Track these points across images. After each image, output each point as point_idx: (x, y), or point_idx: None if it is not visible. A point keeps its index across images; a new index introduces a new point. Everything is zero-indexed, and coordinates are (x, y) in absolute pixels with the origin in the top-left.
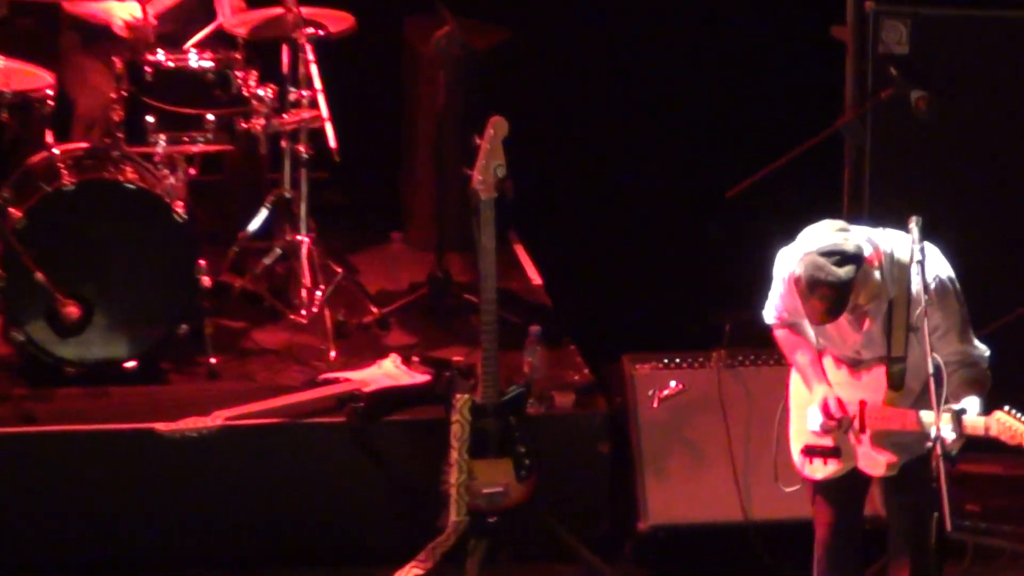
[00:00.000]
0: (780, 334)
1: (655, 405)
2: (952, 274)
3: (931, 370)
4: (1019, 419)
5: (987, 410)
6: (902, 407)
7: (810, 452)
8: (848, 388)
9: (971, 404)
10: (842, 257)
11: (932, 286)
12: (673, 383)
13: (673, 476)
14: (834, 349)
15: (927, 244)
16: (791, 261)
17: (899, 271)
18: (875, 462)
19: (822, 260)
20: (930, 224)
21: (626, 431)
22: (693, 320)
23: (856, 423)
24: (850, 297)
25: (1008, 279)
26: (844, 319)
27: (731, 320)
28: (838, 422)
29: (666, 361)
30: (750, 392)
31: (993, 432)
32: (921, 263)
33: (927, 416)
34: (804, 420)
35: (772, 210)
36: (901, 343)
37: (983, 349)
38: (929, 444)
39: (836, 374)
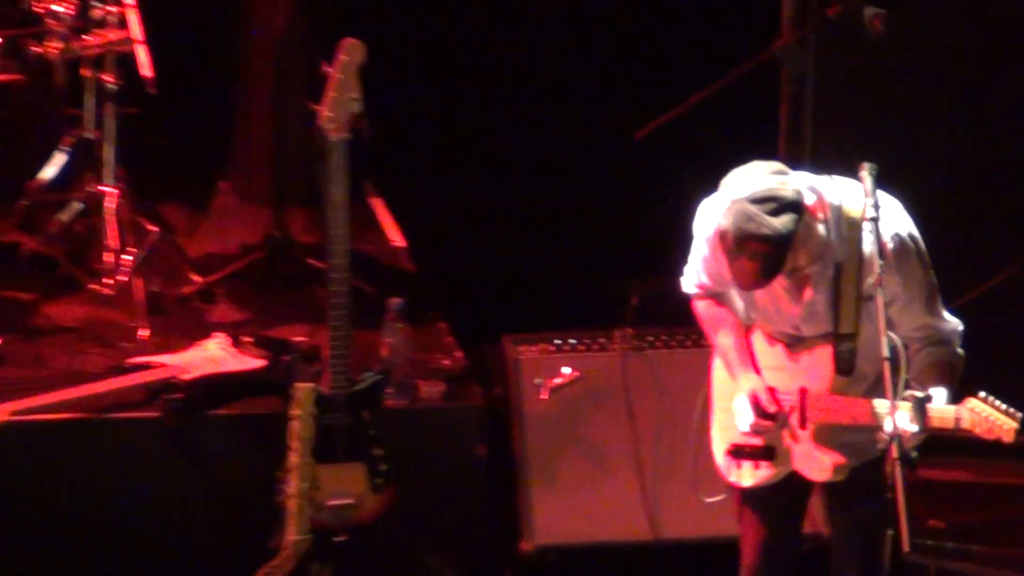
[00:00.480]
0: (701, 307)
1: (544, 397)
2: (915, 232)
3: (887, 352)
4: (997, 407)
5: (958, 398)
6: (852, 396)
7: (737, 454)
8: (785, 374)
9: (938, 392)
10: (778, 205)
11: (890, 246)
12: (566, 370)
13: (565, 485)
14: (768, 324)
15: (883, 195)
16: (715, 213)
17: (848, 228)
18: (818, 465)
19: (753, 208)
20: (886, 172)
21: (508, 429)
22: (591, 292)
23: (794, 417)
24: (788, 255)
25: (982, 240)
26: (780, 286)
27: (638, 291)
28: (772, 418)
29: (557, 343)
30: (661, 381)
31: (965, 424)
32: (875, 219)
33: (882, 406)
34: (729, 415)
35: (690, 155)
36: (851, 317)
37: (954, 323)
38: (884, 443)
39: (770, 356)
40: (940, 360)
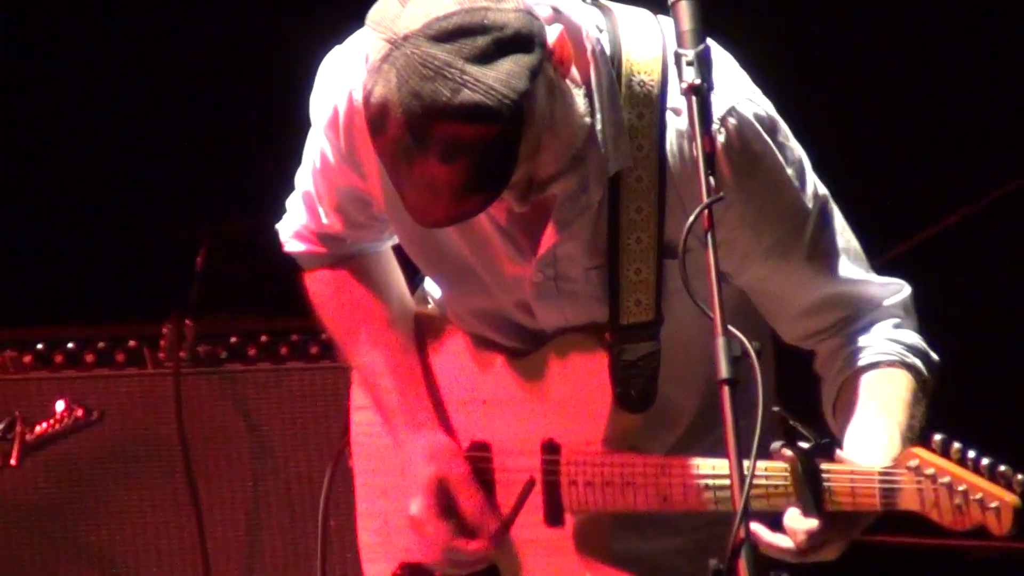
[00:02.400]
0: (322, 287)
1: (13, 462)
2: (773, 114)
3: (724, 367)
4: (971, 466)
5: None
6: (652, 453)
7: None
8: (510, 412)
9: (872, 425)
10: (492, 41)
11: (724, 143)
12: (61, 406)
13: None
14: (471, 305)
15: (712, 46)
16: (354, 72)
17: (636, 103)
18: None
19: (441, 53)
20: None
21: None
22: (108, 258)
23: (536, 501)
24: (519, 147)
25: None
26: (493, 224)
27: (206, 244)
28: (487, 544)
29: (40, 348)
30: (259, 430)
31: (907, 499)
32: (697, 87)
33: (719, 470)
34: (391, 501)
35: None
36: (647, 290)
37: (894, 286)
38: (779, 547)
39: (476, 375)
40: (876, 364)
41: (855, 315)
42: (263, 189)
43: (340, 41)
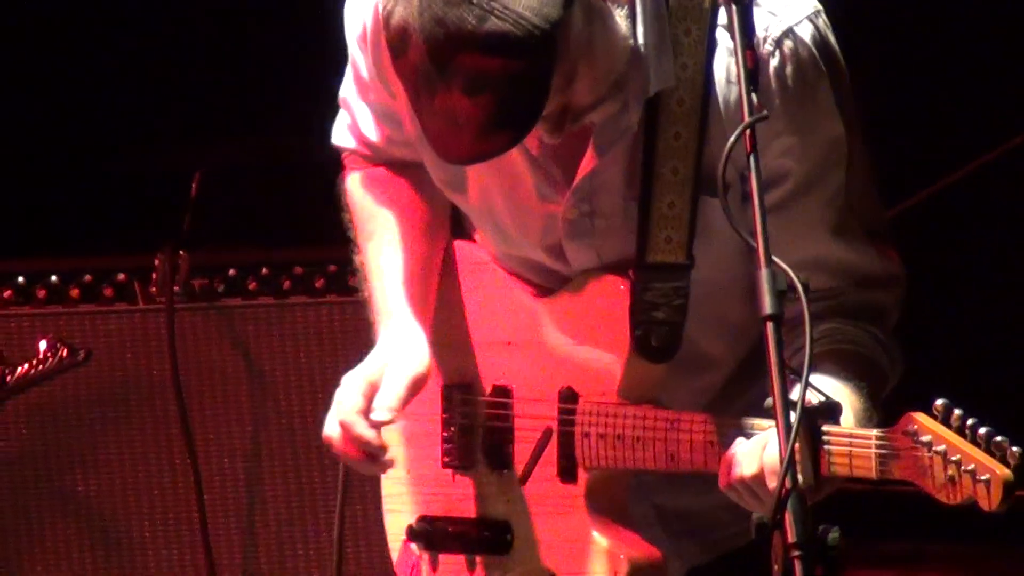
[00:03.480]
0: (360, 181)
1: None
2: (832, 42)
3: (768, 303)
4: (969, 434)
5: (887, 413)
6: (674, 408)
7: (428, 538)
8: (532, 356)
9: (844, 394)
10: None
11: (776, 67)
12: (44, 345)
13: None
14: (496, 239)
15: None
16: None
17: (683, 22)
18: (600, 564)
19: None
20: None
21: None
22: (96, 186)
23: (552, 453)
24: (551, 81)
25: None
26: (525, 155)
27: (201, 170)
28: (496, 457)
29: (20, 282)
30: (260, 369)
31: (901, 468)
32: (745, 3)
33: (740, 430)
34: (417, 449)
35: None
36: (677, 227)
37: (894, 269)
38: (759, 517)
39: (500, 314)
40: (849, 351)
41: (847, 290)
42: (259, 113)
43: None
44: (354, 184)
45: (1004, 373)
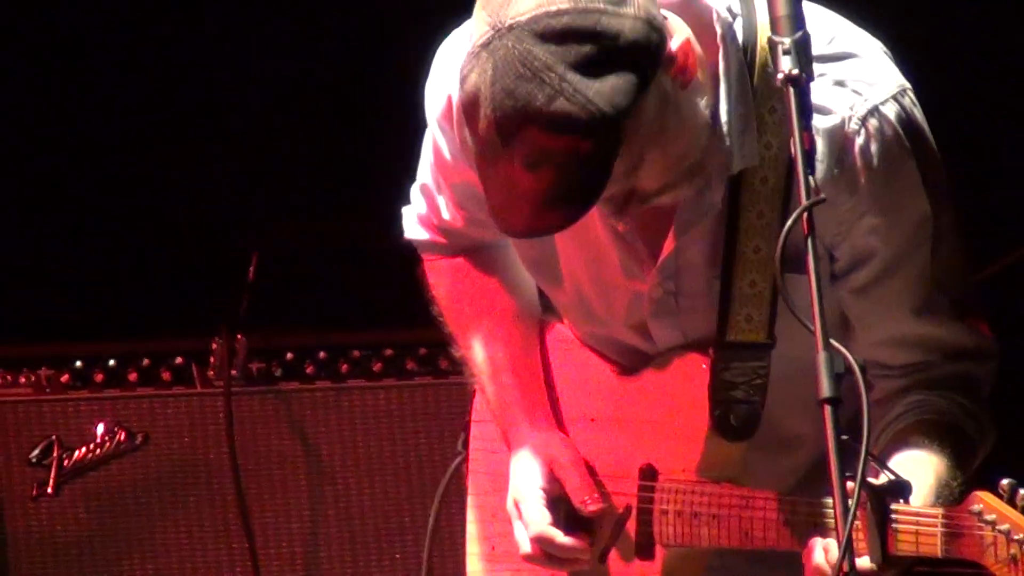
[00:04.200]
0: (443, 278)
1: (50, 490)
2: (923, 125)
3: (828, 389)
4: None
5: (963, 491)
6: (752, 487)
7: None
8: (613, 433)
9: (918, 474)
10: (601, 50)
11: (861, 146)
12: (101, 428)
13: None
14: (579, 319)
15: (855, 34)
16: (457, 61)
17: (769, 101)
18: None
19: (541, 52)
20: None
21: None
22: (153, 268)
23: (631, 529)
24: (612, 166)
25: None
26: (604, 232)
27: (258, 252)
28: (587, 529)
29: (79, 366)
30: (318, 454)
31: (973, 546)
32: (796, 80)
33: (812, 511)
34: (501, 525)
35: None
36: (761, 305)
37: (988, 345)
38: None
39: (585, 392)
40: (935, 421)
41: (935, 363)
42: (317, 193)
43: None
44: (437, 276)
45: None
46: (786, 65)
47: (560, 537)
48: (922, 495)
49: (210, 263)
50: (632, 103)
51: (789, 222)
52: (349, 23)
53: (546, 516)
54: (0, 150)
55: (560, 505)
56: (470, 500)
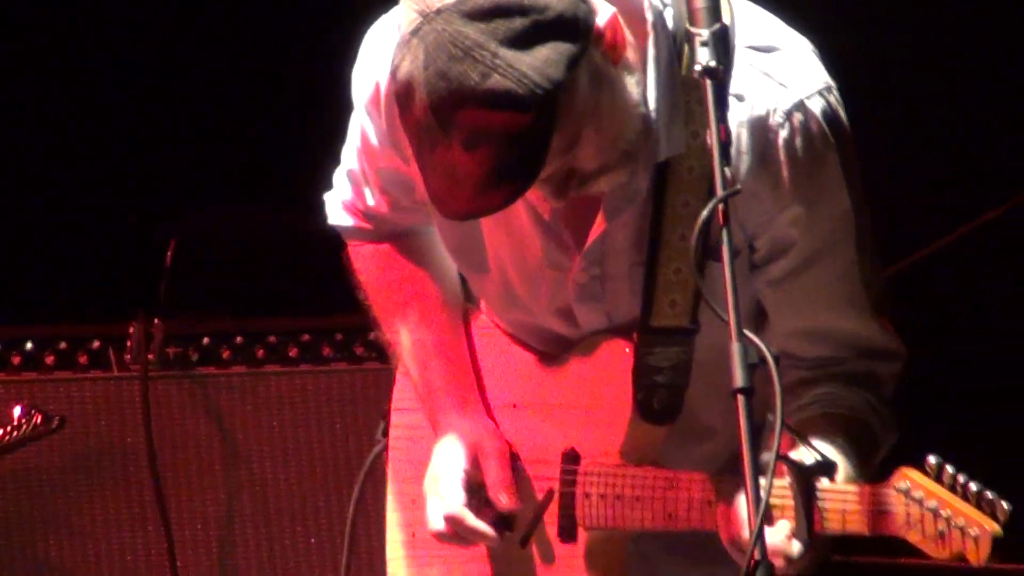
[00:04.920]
0: (368, 264)
1: None
2: (842, 116)
3: (741, 380)
4: (960, 490)
5: (879, 472)
6: (672, 468)
7: None
8: (536, 417)
9: (835, 456)
10: (530, 23)
11: (785, 138)
12: (18, 411)
13: None
14: (503, 305)
15: (774, 25)
16: (388, 47)
17: (696, 91)
18: None
19: (471, 31)
20: None
21: None
22: (70, 253)
23: (553, 513)
24: (551, 141)
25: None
26: (531, 217)
27: (176, 238)
28: (504, 519)
29: None
30: (233, 439)
31: (895, 524)
32: (713, 72)
33: (736, 495)
34: (420, 512)
35: None
36: (685, 291)
37: (894, 345)
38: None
39: (508, 377)
40: (842, 416)
41: (845, 359)
42: (236, 179)
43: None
44: (363, 263)
45: (996, 430)
46: (703, 57)
47: (471, 519)
48: (844, 472)
49: (128, 248)
50: (565, 75)
51: (704, 212)
52: (274, 5)
53: (461, 496)
54: None
55: (478, 491)
56: (390, 487)
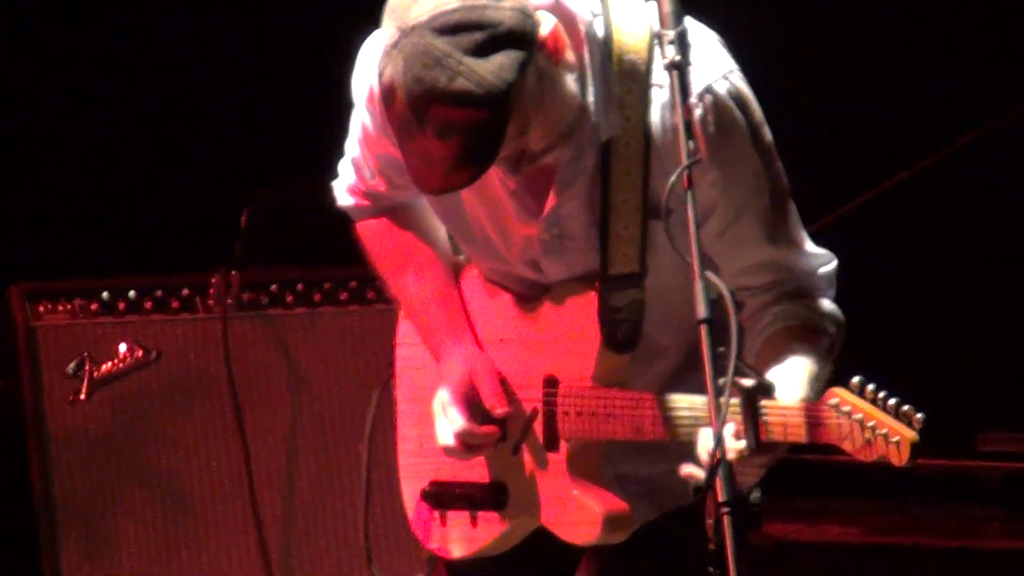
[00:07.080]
0: (372, 233)
1: (83, 397)
2: (747, 91)
3: (702, 307)
4: (881, 404)
5: (823, 387)
6: (635, 389)
7: (439, 498)
8: (517, 350)
9: (788, 381)
10: (486, 36)
11: (701, 115)
12: (123, 347)
13: (115, 535)
14: (484, 259)
15: (693, 24)
16: (377, 56)
17: (625, 79)
18: (578, 516)
19: (441, 44)
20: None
21: (21, 448)
22: (156, 215)
23: (538, 428)
24: (507, 128)
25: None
26: (502, 187)
27: (253, 206)
28: (496, 429)
29: (105, 297)
30: (298, 365)
31: (829, 435)
32: (678, 64)
33: (692, 408)
34: (427, 426)
35: None
36: (631, 245)
37: (822, 258)
38: (697, 480)
39: (491, 318)
40: (798, 326)
41: (787, 279)
42: (298, 158)
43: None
44: (367, 234)
45: (910, 354)
46: (670, 53)
47: (477, 428)
48: (799, 387)
49: (212, 215)
50: (516, 77)
51: (672, 177)
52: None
53: (465, 415)
54: (33, 108)
55: (477, 407)
56: (399, 407)
